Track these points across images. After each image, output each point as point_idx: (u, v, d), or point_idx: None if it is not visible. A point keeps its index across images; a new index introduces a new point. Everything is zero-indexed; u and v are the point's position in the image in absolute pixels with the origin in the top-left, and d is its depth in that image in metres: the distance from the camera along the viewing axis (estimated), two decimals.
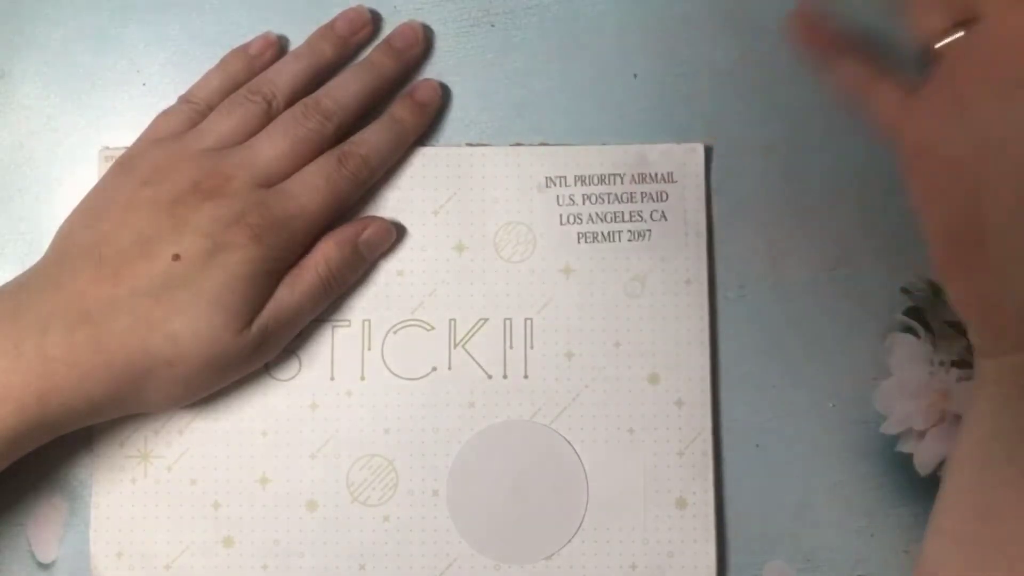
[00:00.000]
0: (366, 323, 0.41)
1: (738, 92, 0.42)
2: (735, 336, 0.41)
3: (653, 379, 0.40)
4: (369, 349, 0.41)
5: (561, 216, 0.41)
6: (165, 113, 0.41)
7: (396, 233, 0.41)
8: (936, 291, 0.41)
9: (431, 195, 0.41)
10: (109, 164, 0.40)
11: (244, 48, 0.42)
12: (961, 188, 0.31)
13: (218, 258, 0.36)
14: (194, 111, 0.40)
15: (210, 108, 0.40)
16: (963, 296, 0.33)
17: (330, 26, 0.42)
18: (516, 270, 0.41)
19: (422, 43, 0.42)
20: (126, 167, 0.39)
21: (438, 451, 0.40)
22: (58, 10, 0.43)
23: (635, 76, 0.42)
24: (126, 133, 0.42)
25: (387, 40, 0.42)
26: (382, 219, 0.41)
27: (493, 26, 0.43)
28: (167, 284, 0.36)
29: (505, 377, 0.41)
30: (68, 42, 0.43)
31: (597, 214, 0.41)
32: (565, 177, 0.41)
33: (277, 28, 0.42)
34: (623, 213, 0.41)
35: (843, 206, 0.41)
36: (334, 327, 0.41)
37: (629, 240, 0.41)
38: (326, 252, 0.39)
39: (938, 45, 0.32)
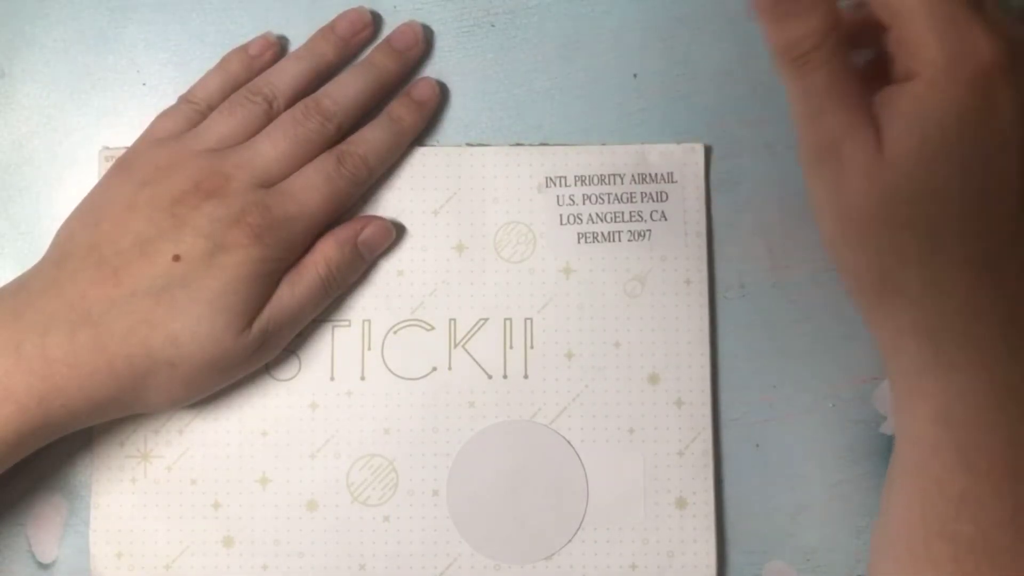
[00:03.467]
0: (366, 323, 0.41)
1: (738, 92, 0.42)
2: (735, 336, 0.41)
3: (653, 379, 0.40)
4: (369, 349, 0.41)
5: (561, 216, 0.41)
6: (165, 113, 0.41)
7: (396, 233, 0.41)
8: None
9: (431, 195, 0.41)
10: (109, 164, 0.40)
11: (244, 48, 0.42)
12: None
13: (218, 259, 0.36)
14: (194, 111, 0.40)
15: (210, 108, 0.40)
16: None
17: (331, 27, 0.41)
18: (516, 270, 0.41)
19: (422, 43, 0.42)
20: (126, 167, 0.39)
21: (438, 451, 0.40)
22: (58, 10, 0.43)
23: (635, 76, 0.42)
24: (126, 133, 0.42)
25: (387, 40, 0.42)
26: (381, 219, 0.41)
27: (493, 26, 0.43)
28: (167, 285, 0.36)
29: (505, 377, 0.41)
30: (68, 42, 0.43)
31: (597, 214, 0.41)
32: (565, 177, 0.41)
33: (277, 28, 0.42)
34: (623, 213, 0.41)
35: None
36: (334, 327, 0.41)
37: (629, 240, 0.41)
38: (326, 252, 0.39)
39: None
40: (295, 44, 0.42)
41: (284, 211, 0.38)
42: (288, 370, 0.41)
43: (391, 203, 0.41)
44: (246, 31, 0.42)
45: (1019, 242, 0.32)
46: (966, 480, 0.32)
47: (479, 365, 0.41)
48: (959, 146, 0.31)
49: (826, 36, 0.31)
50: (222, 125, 0.39)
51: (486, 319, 0.41)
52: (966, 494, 0.32)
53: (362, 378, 0.41)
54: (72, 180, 0.42)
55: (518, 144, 0.42)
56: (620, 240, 0.41)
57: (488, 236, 0.41)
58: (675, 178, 0.41)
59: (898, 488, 0.34)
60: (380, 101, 0.41)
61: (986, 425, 0.32)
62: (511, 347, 0.41)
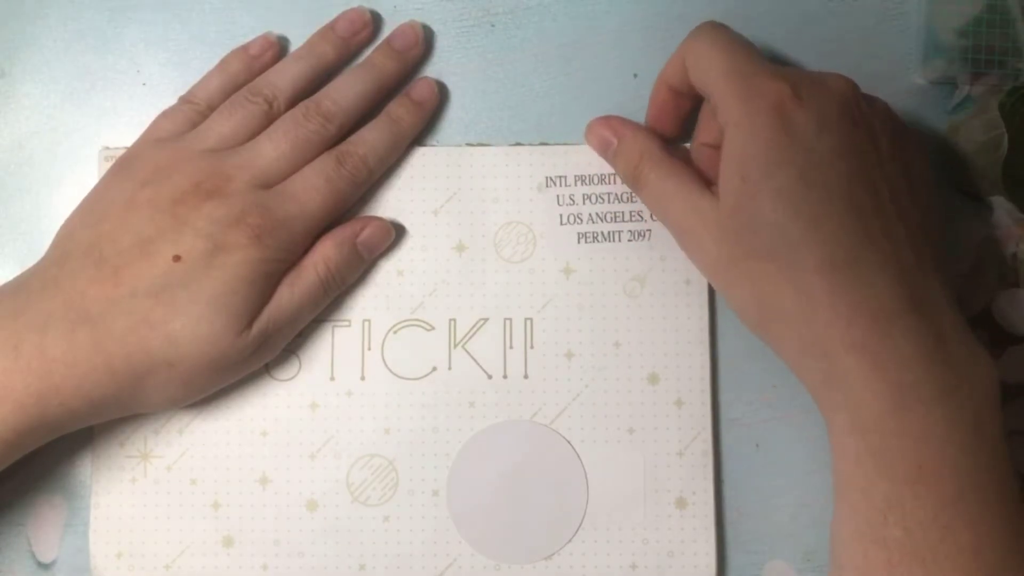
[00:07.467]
0: (366, 323, 0.41)
1: None
2: (735, 336, 0.41)
3: (653, 379, 0.40)
4: (369, 349, 0.41)
5: (561, 216, 0.41)
6: (165, 113, 0.41)
7: (395, 233, 0.41)
8: None
9: (431, 195, 0.41)
10: (109, 164, 0.40)
11: (244, 48, 0.42)
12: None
13: (218, 259, 0.36)
14: (195, 111, 0.40)
15: (211, 108, 0.40)
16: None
17: (331, 27, 0.42)
18: (516, 270, 0.41)
19: (422, 43, 0.42)
20: (126, 167, 0.39)
21: (438, 451, 0.40)
22: (58, 10, 0.43)
23: (635, 76, 0.42)
24: (126, 133, 0.42)
25: (387, 41, 0.42)
26: (380, 219, 0.41)
27: (493, 26, 0.43)
28: (167, 285, 0.36)
29: (505, 377, 0.41)
30: (68, 42, 0.43)
31: (597, 214, 0.41)
32: (565, 177, 0.41)
33: (277, 28, 0.42)
34: (623, 213, 0.41)
35: None
36: (334, 327, 0.41)
37: (629, 240, 0.41)
38: (325, 252, 0.39)
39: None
40: (295, 44, 0.42)
41: (284, 212, 0.38)
42: (288, 370, 0.41)
43: (391, 203, 0.41)
44: (246, 31, 0.42)
45: (871, 240, 0.33)
46: (886, 486, 0.32)
47: (479, 365, 0.41)
48: (775, 171, 0.34)
49: (643, 158, 0.38)
50: (222, 125, 0.39)
51: (486, 319, 0.41)
52: (889, 499, 0.32)
53: (362, 378, 0.41)
54: (72, 180, 0.42)
55: (518, 144, 0.42)
56: (620, 240, 0.41)
57: (488, 236, 0.41)
58: None
59: (836, 503, 0.34)
60: (380, 102, 0.41)
61: (894, 428, 0.32)
62: (511, 347, 0.41)
